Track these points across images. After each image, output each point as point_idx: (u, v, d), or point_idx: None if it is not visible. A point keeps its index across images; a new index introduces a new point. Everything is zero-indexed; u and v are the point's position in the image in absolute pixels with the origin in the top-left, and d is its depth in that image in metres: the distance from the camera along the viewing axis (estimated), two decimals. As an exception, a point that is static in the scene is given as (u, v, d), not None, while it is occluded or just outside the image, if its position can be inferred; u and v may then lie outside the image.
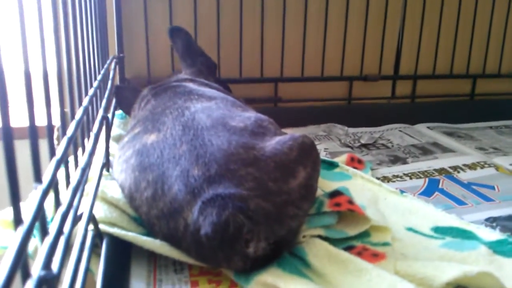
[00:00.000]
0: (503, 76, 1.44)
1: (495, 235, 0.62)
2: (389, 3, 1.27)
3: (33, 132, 0.31)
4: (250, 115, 0.64)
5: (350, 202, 0.60)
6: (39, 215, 0.30)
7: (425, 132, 1.20)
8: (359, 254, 0.55)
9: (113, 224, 0.54)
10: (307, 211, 0.58)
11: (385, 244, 0.58)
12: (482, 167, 0.94)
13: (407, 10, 1.30)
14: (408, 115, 1.30)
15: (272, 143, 0.57)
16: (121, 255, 0.55)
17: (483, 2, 1.35)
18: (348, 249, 0.56)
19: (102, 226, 0.53)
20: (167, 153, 0.56)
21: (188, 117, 0.62)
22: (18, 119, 0.91)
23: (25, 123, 0.31)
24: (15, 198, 0.27)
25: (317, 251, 0.54)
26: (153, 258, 0.56)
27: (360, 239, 0.58)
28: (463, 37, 1.37)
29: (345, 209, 0.59)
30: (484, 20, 1.37)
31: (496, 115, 1.35)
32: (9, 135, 0.26)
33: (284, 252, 0.53)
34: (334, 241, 0.56)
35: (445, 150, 1.05)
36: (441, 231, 0.64)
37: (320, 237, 0.57)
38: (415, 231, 0.64)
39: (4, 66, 0.25)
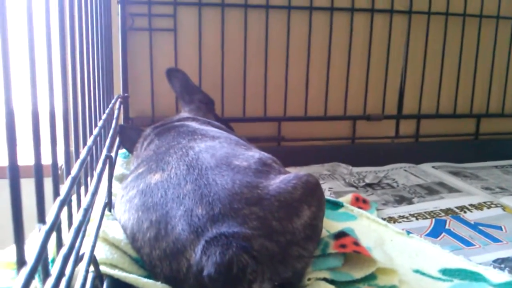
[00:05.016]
0: (507, 115, 1.44)
1: (504, 276, 0.60)
2: (391, 43, 1.29)
3: (38, 173, 0.31)
4: (254, 154, 0.64)
5: (356, 243, 0.59)
6: (42, 257, 0.29)
7: (431, 171, 1.20)
8: (366, 297, 0.53)
9: (114, 266, 0.53)
10: (313, 252, 0.57)
11: (392, 287, 0.57)
12: (489, 207, 0.92)
13: (409, 50, 1.31)
14: (412, 154, 1.29)
15: (277, 181, 0.56)
16: (122, 298, 0.54)
17: (485, 42, 1.37)
18: (355, 292, 0.54)
19: (103, 268, 0.52)
20: (171, 192, 0.56)
21: (192, 157, 0.62)
22: (20, 157, 0.91)
23: (27, 162, 0.31)
24: (19, 240, 0.27)
25: (323, 294, 0.52)
26: (154, 301, 0.54)
27: (366, 282, 0.57)
28: (465, 76, 1.38)
29: (350, 251, 0.58)
30: (487, 59, 1.39)
31: (502, 155, 1.35)
32: (16, 177, 0.26)
33: (289, 295, 0.52)
34: (339, 284, 0.55)
35: (451, 190, 1.04)
36: (449, 273, 0.62)
37: (325, 279, 0.55)
38: (423, 273, 0.62)
39: (14, 105, 0.26)
